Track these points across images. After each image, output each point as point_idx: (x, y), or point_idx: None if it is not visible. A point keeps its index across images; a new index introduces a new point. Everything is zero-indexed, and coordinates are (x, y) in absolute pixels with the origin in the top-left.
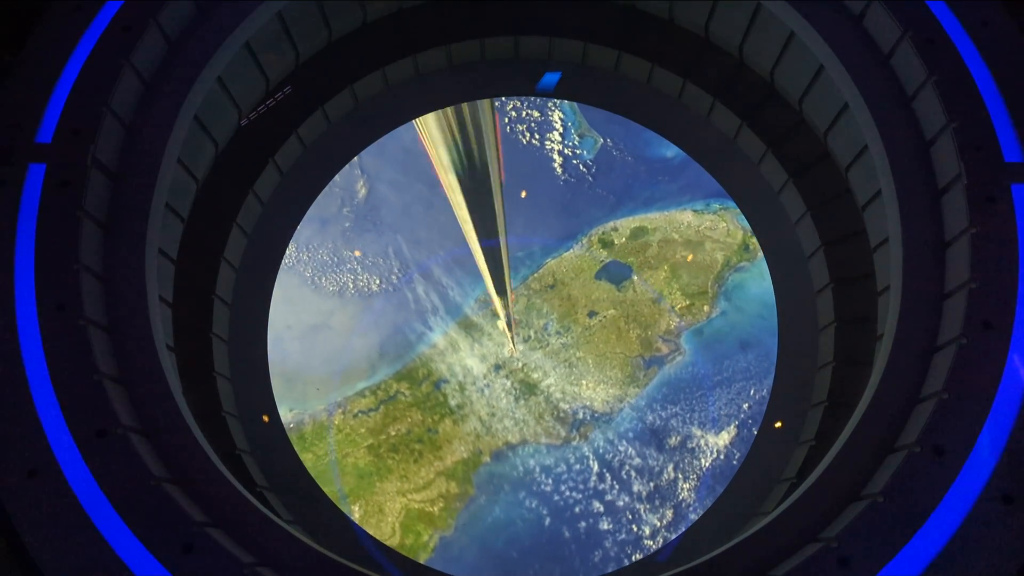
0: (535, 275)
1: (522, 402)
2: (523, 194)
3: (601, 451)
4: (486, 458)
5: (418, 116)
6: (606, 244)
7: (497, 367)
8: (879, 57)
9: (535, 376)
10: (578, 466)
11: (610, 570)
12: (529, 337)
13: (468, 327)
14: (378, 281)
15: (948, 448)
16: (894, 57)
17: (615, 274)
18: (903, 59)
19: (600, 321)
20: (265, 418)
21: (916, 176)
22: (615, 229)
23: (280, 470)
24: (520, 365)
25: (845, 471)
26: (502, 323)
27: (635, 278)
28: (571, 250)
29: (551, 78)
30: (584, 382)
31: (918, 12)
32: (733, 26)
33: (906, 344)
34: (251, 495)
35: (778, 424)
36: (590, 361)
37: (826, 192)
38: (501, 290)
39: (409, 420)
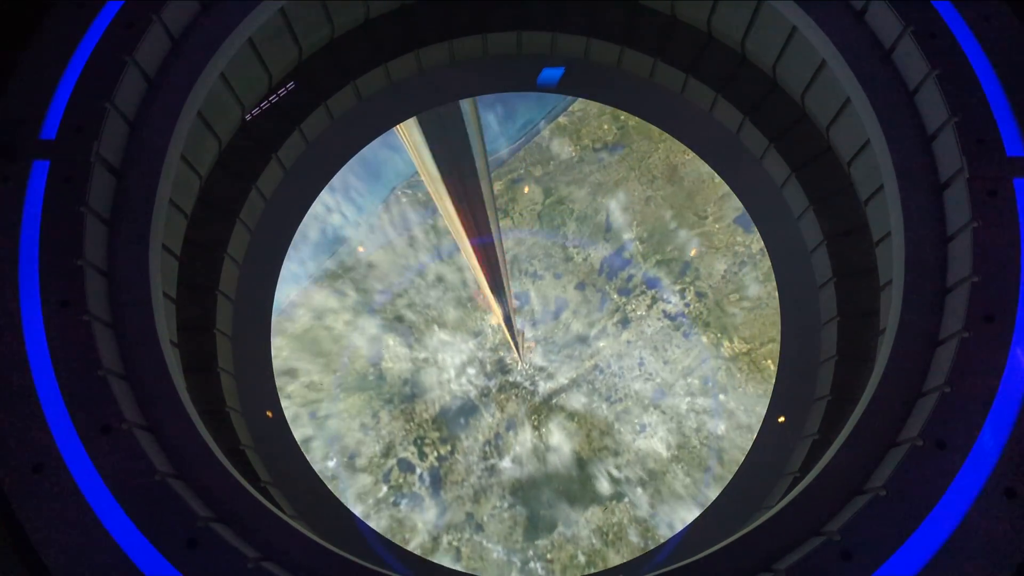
0: (551, 126)
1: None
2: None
3: None
4: None
5: (421, 111)
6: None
7: (494, 444)
8: (881, 52)
9: (597, 438)
10: None
11: None
12: (555, 312)
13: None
14: None
15: (951, 442)
16: (896, 52)
17: None
18: (905, 53)
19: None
20: (269, 413)
21: (918, 170)
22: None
23: (284, 465)
24: (541, 411)
25: (848, 465)
26: (495, 309)
27: None
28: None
29: (553, 73)
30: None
31: (920, 7)
32: (735, 21)
33: (908, 338)
34: (255, 490)
35: (781, 419)
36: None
37: (828, 187)
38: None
39: None
